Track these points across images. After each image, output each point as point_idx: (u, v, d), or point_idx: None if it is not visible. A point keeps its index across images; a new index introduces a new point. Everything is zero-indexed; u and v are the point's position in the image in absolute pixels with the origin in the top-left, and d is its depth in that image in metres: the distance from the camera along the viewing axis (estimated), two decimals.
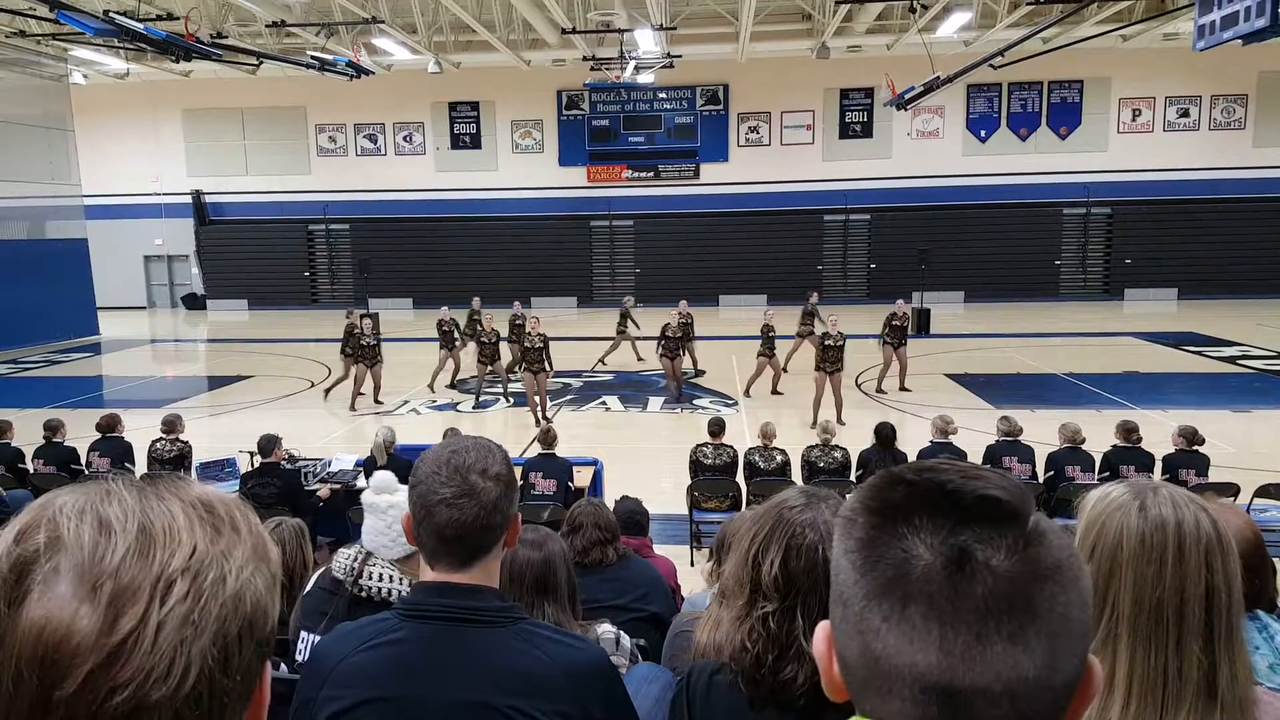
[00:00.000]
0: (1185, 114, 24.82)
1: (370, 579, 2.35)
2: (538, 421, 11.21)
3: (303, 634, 2.38)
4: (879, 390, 13.24)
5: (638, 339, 15.59)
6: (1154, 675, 1.09)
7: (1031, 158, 25.12)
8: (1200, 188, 24.49)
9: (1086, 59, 21.81)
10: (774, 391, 13.02)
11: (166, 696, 0.55)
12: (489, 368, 12.84)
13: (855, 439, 7.56)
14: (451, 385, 14.01)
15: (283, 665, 2.39)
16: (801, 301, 15.25)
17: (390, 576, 2.36)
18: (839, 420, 10.81)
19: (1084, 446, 7.06)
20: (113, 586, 0.56)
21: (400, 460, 6.73)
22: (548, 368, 11.69)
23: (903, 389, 13.20)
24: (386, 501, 2.44)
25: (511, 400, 13.19)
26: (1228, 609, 1.11)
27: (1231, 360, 15.42)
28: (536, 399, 11.69)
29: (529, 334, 11.79)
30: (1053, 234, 25.30)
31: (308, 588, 2.51)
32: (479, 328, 13.14)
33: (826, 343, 11.39)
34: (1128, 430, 6.94)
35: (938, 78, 16.03)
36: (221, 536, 0.61)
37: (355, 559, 2.40)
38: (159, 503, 0.61)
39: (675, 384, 12.94)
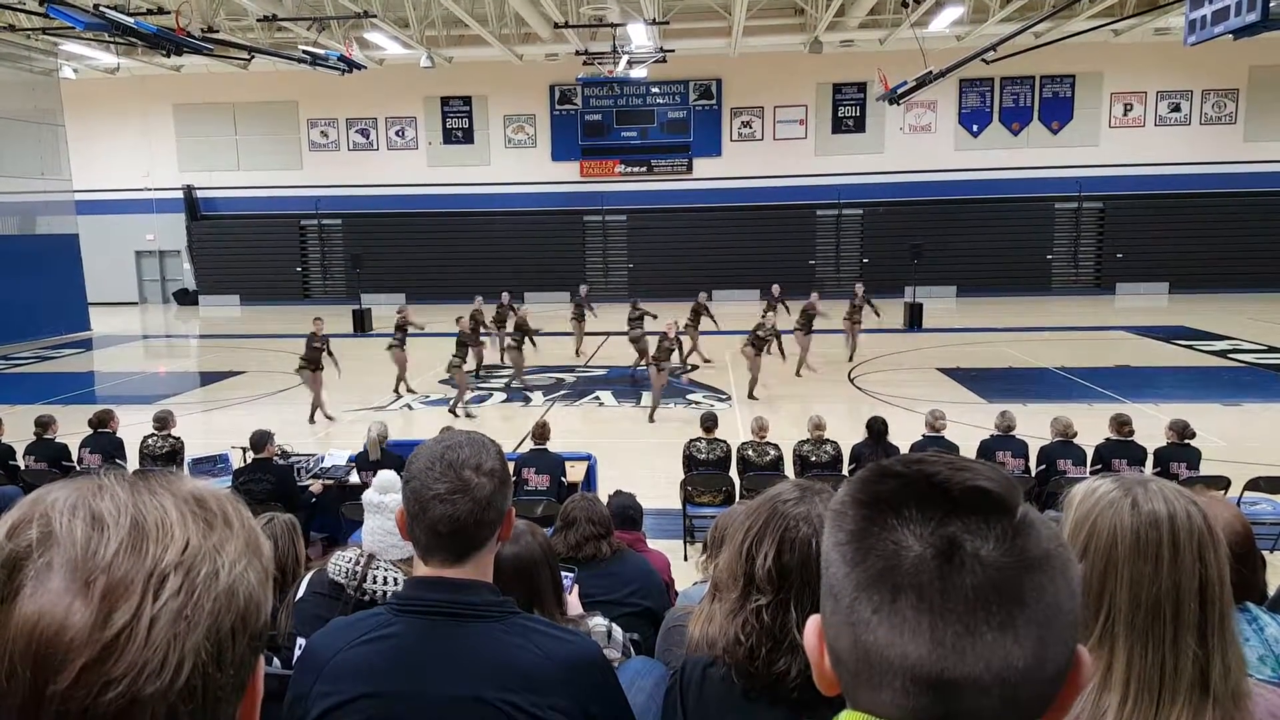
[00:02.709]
0: (1176, 108, 24.91)
1: (375, 583, 2.33)
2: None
3: (300, 640, 2.35)
4: (797, 374, 13.90)
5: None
6: (1151, 671, 1.09)
7: (1023, 152, 25.18)
8: (1191, 182, 24.59)
9: (1078, 54, 21.86)
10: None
11: (160, 691, 0.55)
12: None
13: (847, 433, 7.58)
14: (445, 381, 13.98)
15: (276, 661, 2.38)
16: (803, 296, 15.34)
17: (395, 579, 2.33)
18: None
19: (1075, 440, 7.09)
20: (106, 581, 0.55)
21: (392, 455, 6.73)
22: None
23: (798, 374, 13.88)
24: (394, 501, 2.40)
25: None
26: (1220, 602, 1.11)
27: (1223, 354, 15.49)
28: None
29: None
30: (1044, 228, 25.37)
31: (300, 592, 2.47)
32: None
33: (663, 344, 11.83)
34: (1120, 424, 6.96)
35: (930, 72, 16.05)
36: (214, 531, 0.61)
37: (357, 563, 2.37)
38: (151, 498, 0.61)
39: (518, 378, 13.55)
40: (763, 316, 12.63)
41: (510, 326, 13.87)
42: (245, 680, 0.63)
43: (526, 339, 13.29)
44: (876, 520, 0.66)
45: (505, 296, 15.98)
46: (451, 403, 11.93)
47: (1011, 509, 0.65)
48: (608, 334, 17.56)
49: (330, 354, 11.54)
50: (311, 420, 11.55)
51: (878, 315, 15.60)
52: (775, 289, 16.23)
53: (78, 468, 7.54)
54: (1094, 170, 24.88)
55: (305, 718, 1.41)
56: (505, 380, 13.92)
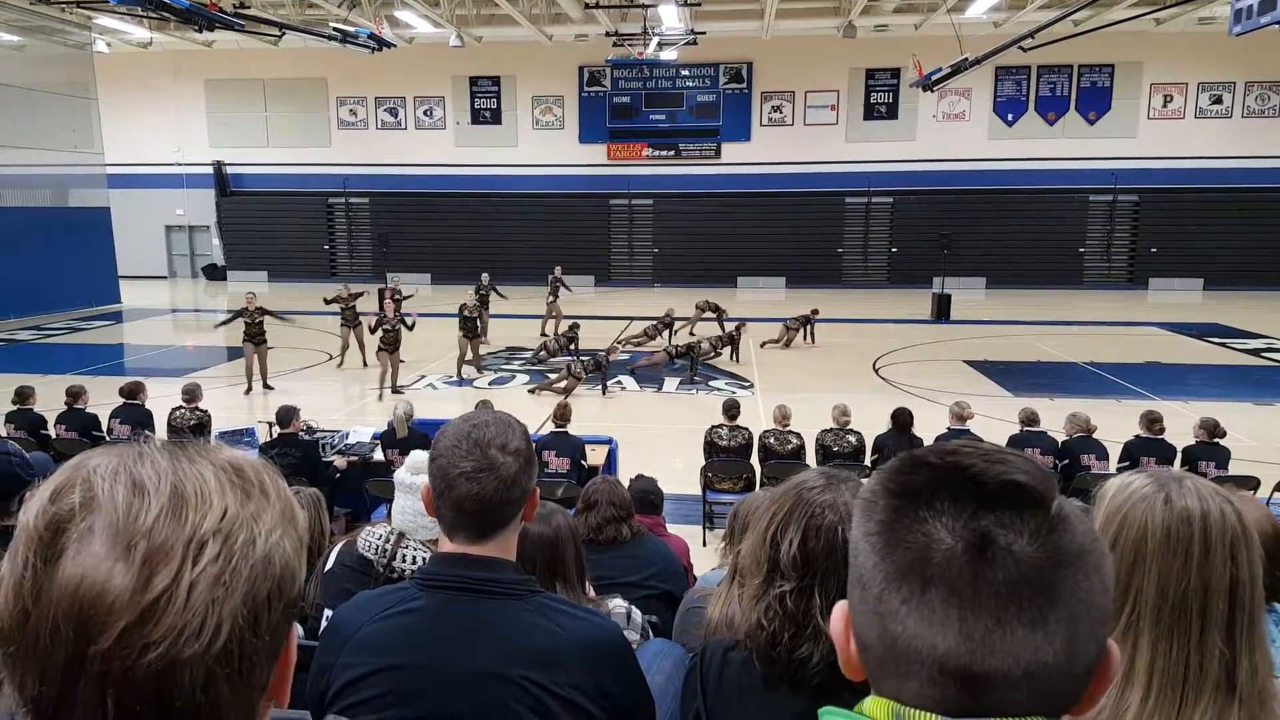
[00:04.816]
0: (1218, 100, 24.34)
1: (404, 561, 2.35)
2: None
3: (327, 612, 2.39)
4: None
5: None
6: (1175, 668, 1.08)
7: (1059, 143, 24.76)
8: (1231, 176, 24.06)
9: (1118, 42, 21.39)
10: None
11: (198, 654, 0.56)
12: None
13: (871, 423, 7.54)
14: (468, 362, 14.05)
15: (301, 631, 2.41)
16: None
17: (424, 559, 2.35)
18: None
19: (1096, 435, 7.02)
20: (146, 546, 0.57)
21: (417, 434, 6.78)
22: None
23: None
24: (426, 481, 2.42)
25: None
26: (1250, 602, 1.10)
27: (1256, 353, 15.21)
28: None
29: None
30: (1078, 221, 24.97)
31: (329, 565, 2.50)
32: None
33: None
34: (1151, 421, 6.87)
35: (966, 59, 15.80)
36: (251, 500, 0.62)
37: (387, 540, 2.40)
38: (190, 465, 0.62)
39: (475, 361, 13.51)
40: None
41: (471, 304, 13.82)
42: (279, 646, 0.64)
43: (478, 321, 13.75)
44: (908, 511, 0.66)
45: (485, 277, 16.17)
46: (391, 384, 12.07)
47: (1047, 503, 0.65)
48: (630, 319, 17.58)
49: (275, 316, 12.48)
50: (249, 391, 12.07)
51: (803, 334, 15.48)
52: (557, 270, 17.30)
53: (108, 438, 7.67)
54: (1130, 162, 24.41)
55: (330, 688, 1.44)
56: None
